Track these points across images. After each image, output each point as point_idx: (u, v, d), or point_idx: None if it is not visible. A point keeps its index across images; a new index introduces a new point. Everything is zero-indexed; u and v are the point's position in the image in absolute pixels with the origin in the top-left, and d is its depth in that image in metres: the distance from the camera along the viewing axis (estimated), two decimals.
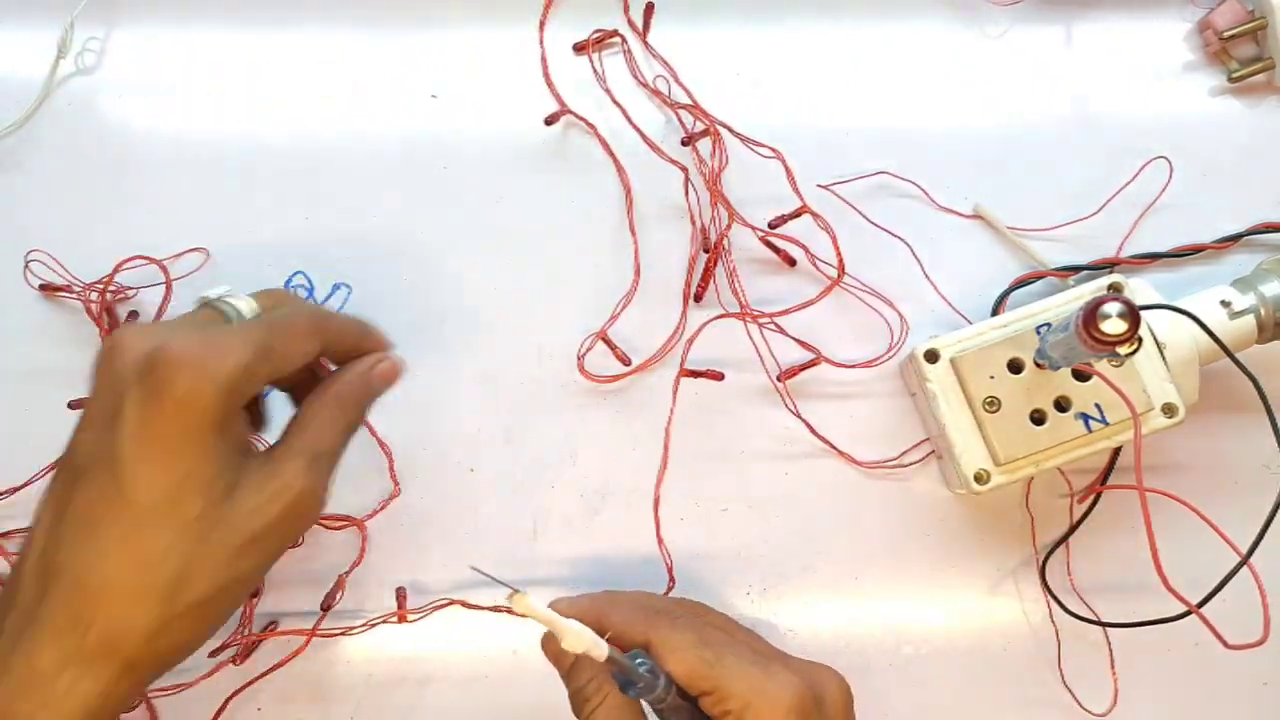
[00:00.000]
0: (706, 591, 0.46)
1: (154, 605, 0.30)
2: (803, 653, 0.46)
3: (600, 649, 0.32)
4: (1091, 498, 0.46)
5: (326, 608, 0.45)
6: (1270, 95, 0.50)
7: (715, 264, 0.47)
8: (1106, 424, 0.42)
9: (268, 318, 0.35)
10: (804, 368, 0.47)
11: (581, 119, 0.49)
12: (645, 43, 0.49)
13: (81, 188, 0.48)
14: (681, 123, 0.49)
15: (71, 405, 0.45)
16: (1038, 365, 0.42)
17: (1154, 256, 0.48)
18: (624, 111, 0.49)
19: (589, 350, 0.47)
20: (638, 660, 0.34)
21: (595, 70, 0.49)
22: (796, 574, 0.47)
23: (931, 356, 0.43)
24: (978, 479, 0.43)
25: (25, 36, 0.49)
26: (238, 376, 0.31)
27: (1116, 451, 0.46)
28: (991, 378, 0.43)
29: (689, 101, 0.48)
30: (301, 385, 0.36)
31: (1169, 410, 0.42)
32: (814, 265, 0.47)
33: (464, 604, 0.45)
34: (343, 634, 0.45)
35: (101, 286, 0.46)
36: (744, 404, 0.47)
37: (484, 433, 0.47)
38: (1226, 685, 0.46)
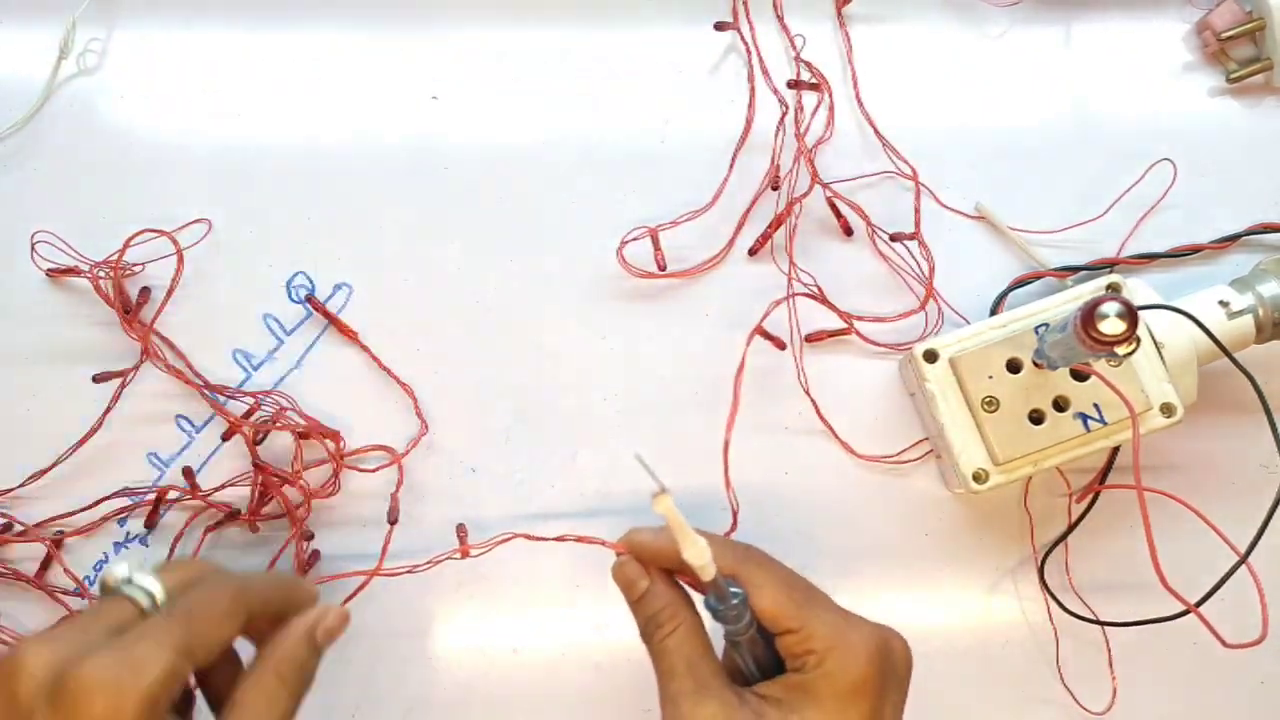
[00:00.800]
0: None
1: None
2: None
3: (712, 567, 0.33)
4: (1090, 497, 0.46)
5: (393, 521, 0.45)
6: (1268, 96, 0.50)
7: (779, 226, 0.47)
8: (1105, 424, 0.42)
9: (184, 606, 0.32)
10: (833, 334, 0.47)
11: (740, 35, 0.49)
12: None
13: (83, 188, 0.48)
14: (798, 70, 0.49)
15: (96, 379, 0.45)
16: (1036, 365, 0.42)
17: (1152, 257, 0.48)
18: (745, 40, 0.49)
19: (633, 240, 0.47)
20: (735, 593, 0.35)
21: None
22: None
23: (930, 356, 0.44)
24: (976, 479, 0.43)
25: (27, 37, 0.49)
26: (158, 690, 0.29)
27: (1115, 451, 0.46)
28: (990, 377, 0.43)
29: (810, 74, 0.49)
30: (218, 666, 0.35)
31: (1167, 410, 0.42)
32: (873, 241, 0.48)
33: (527, 536, 0.44)
34: (409, 571, 0.44)
35: (113, 263, 0.46)
36: (749, 389, 0.47)
37: (485, 433, 0.47)
38: (1225, 684, 0.47)
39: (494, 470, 0.47)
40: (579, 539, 0.44)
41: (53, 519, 0.46)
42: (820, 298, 0.47)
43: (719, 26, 0.49)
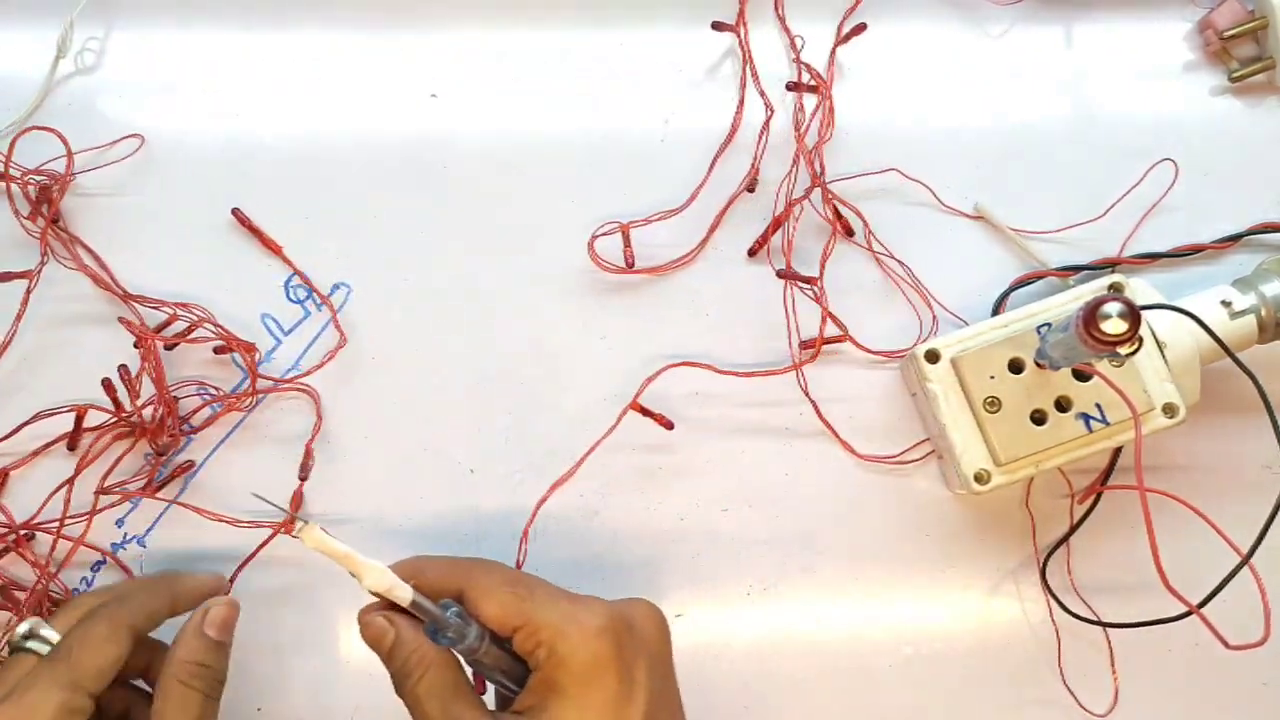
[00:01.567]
0: (707, 590, 0.46)
1: None
2: (803, 653, 0.46)
3: (403, 591, 0.31)
4: (1092, 498, 0.46)
5: (303, 478, 0.46)
6: (1270, 95, 0.50)
7: (777, 229, 0.47)
8: (1107, 424, 0.42)
9: (65, 644, 0.35)
10: (828, 341, 0.47)
11: (737, 36, 0.49)
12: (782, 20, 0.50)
13: (79, 187, 0.48)
14: (799, 72, 0.49)
15: None
16: (1038, 365, 0.42)
17: (1154, 256, 0.48)
18: (741, 41, 0.49)
19: (603, 234, 0.47)
20: (449, 610, 0.33)
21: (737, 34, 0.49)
22: (796, 574, 0.47)
23: (932, 356, 0.43)
24: (978, 479, 0.43)
25: (25, 36, 0.49)
26: None
27: (1117, 452, 0.46)
28: (992, 378, 0.43)
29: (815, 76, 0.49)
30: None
31: (1170, 410, 0.42)
32: (869, 245, 0.48)
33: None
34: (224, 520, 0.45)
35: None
36: (748, 388, 0.47)
37: (484, 433, 0.47)
38: (1227, 686, 0.46)
39: (494, 470, 0.47)
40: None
41: None
42: (818, 300, 0.47)
43: (716, 26, 0.49)
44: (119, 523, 0.46)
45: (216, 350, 0.46)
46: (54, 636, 0.36)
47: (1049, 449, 0.42)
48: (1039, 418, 0.42)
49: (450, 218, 0.48)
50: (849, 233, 0.48)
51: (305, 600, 0.46)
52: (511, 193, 0.49)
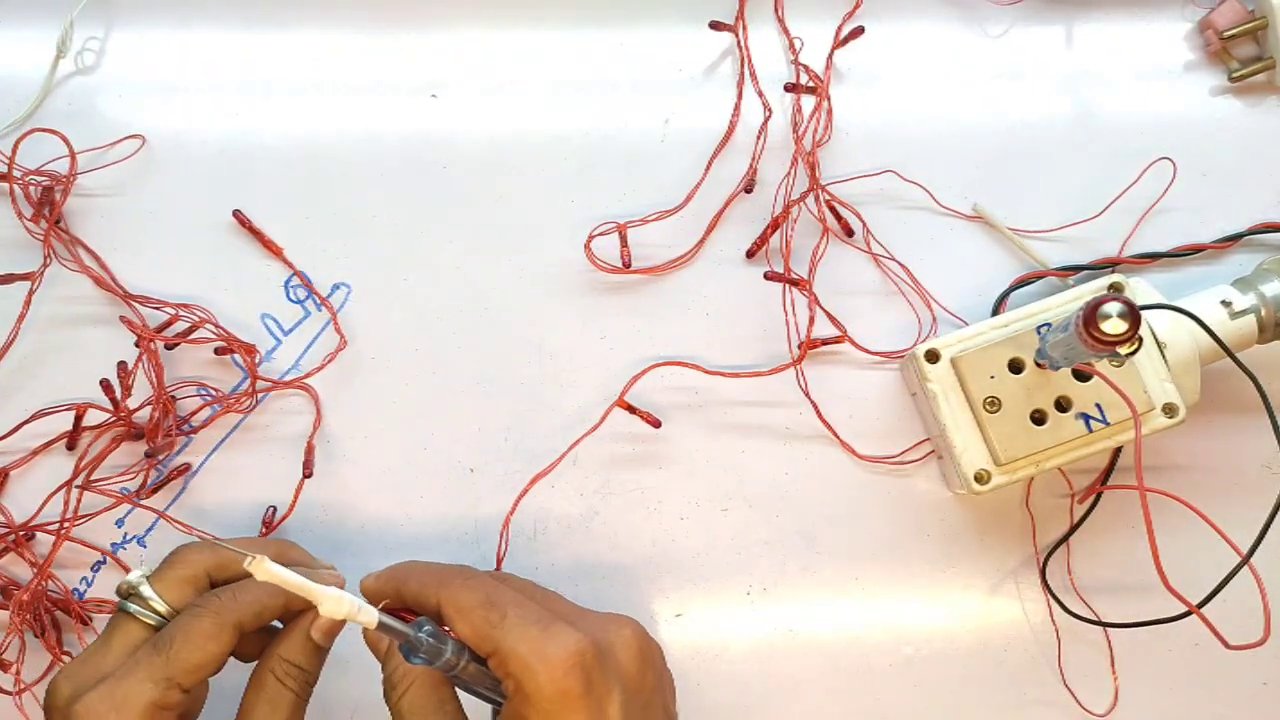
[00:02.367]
0: (707, 591, 0.46)
1: None
2: (803, 653, 0.46)
3: (367, 615, 0.30)
4: (1092, 498, 0.46)
5: (307, 474, 0.46)
6: (1270, 95, 0.50)
7: (775, 230, 0.47)
8: (1107, 424, 0.42)
9: (168, 635, 0.35)
10: (827, 342, 0.47)
11: (736, 37, 0.49)
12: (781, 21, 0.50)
13: (80, 188, 0.48)
14: (797, 74, 0.49)
15: None
16: (1038, 365, 0.42)
17: (1154, 256, 0.48)
18: (740, 42, 0.49)
19: (600, 234, 0.47)
20: (423, 628, 0.33)
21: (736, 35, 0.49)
22: (796, 574, 0.47)
23: (932, 356, 0.43)
24: (978, 479, 0.42)
25: (25, 36, 0.49)
26: None
27: (1117, 451, 0.46)
28: (992, 378, 0.43)
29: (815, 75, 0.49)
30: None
31: (1170, 410, 0.42)
32: (868, 244, 0.48)
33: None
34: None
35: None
36: (749, 388, 0.47)
37: (484, 433, 0.47)
38: (1227, 685, 0.46)
39: (493, 470, 0.47)
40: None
41: None
42: (816, 301, 0.47)
43: (715, 26, 0.49)
44: (119, 523, 0.46)
45: (217, 351, 0.46)
46: (154, 599, 0.36)
47: (1049, 449, 0.42)
48: (1039, 418, 0.42)
49: (450, 218, 0.48)
50: (848, 233, 0.48)
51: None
52: (511, 193, 0.49)
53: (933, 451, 0.47)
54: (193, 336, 0.46)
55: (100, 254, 0.47)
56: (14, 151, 0.46)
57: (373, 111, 0.49)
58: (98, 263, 0.47)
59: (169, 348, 0.46)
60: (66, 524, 0.44)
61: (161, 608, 0.36)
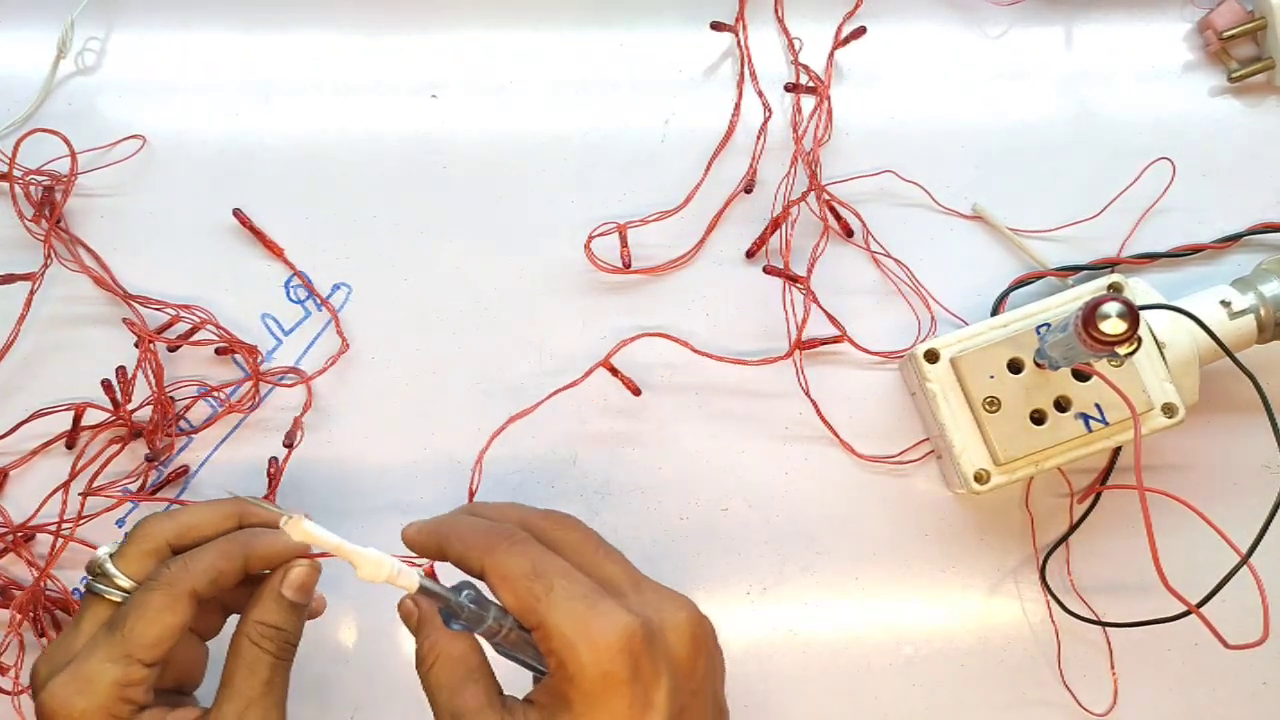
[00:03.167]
0: (707, 591, 0.46)
1: None
2: (803, 653, 0.46)
3: (408, 579, 0.29)
4: (1091, 498, 0.46)
5: (289, 445, 0.46)
6: (1270, 95, 0.50)
7: (775, 230, 0.47)
8: (1106, 424, 0.42)
9: (124, 610, 0.34)
10: (826, 342, 0.47)
11: (736, 37, 0.49)
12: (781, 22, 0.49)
13: (80, 188, 0.48)
14: (797, 74, 0.49)
15: None
16: (1038, 365, 0.42)
17: (1154, 256, 0.48)
18: (740, 43, 0.49)
19: (600, 234, 0.47)
20: (464, 592, 0.31)
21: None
22: (796, 574, 0.47)
23: (931, 356, 0.43)
24: (978, 479, 0.43)
25: (25, 36, 0.49)
26: (109, 702, 0.33)
27: (1116, 451, 0.46)
28: (991, 378, 0.43)
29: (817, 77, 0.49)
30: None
31: (1169, 410, 0.42)
32: (868, 244, 0.48)
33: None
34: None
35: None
36: (749, 388, 0.47)
37: (483, 433, 0.47)
38: (1226, 685, 0.46)
39: (492, 471, 0.47)
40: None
41: None
42: (815, 300, 0.47)
43: (715, 27, 0.49)
44: (119, 523, 0.46)
45: (218, 351, 0.46)
46: (118, 576, 0.35)
47: (1048, 449, 0.42)
48: (1039, 418, 0.42)
49: (450, 218, 0.48)
50: (848, 233, 0.48)
51: None
52: (511, 193, 0.49)
53: (932, 451, 0.47)
54: (194, 337, 0.46)
55: (100, 254, 0.47)
56: (14, 152, 0.46)
57: (373, 111, 0.49)
58: (98, 263, 0.47)
59: (171, 350, 0.46)
60: (68, 524, 0.44)
61: (125, 584, 0.35)
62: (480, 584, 0.33)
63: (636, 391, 0.46)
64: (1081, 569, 0.46)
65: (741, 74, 0.49)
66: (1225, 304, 0.43)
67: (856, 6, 0.49)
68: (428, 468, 0.47)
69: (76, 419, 0.46)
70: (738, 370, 0.47)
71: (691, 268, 0.48)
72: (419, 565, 0.33)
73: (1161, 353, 0.43)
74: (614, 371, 0.46)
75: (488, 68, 0.50)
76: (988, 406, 0.42)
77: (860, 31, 0.49)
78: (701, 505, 0.47)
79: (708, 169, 0.48)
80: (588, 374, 0.46)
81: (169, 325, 0.46)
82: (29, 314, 0.46)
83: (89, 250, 0.47)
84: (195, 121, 0.49)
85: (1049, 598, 0.46)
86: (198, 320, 0.46)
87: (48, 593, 0.45)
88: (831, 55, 0.49)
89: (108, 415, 0.45)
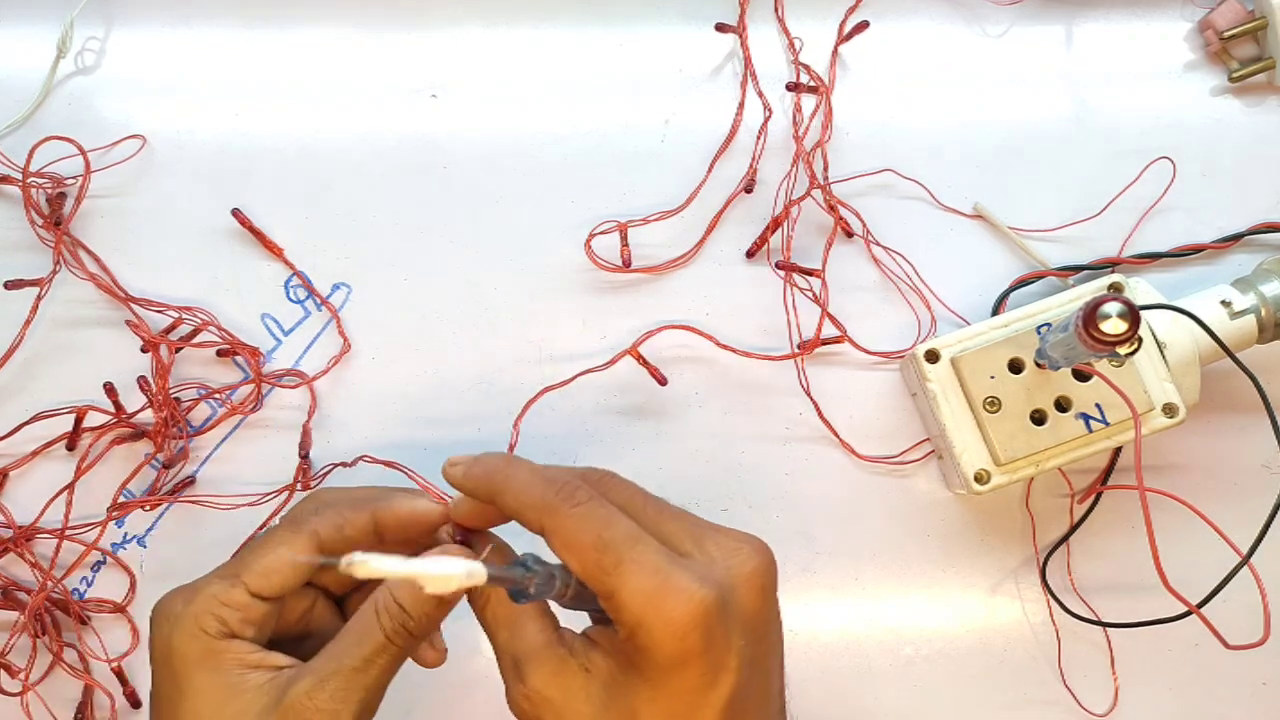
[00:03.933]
0: None
1: None
2: (803, 653, 0.46)
3: (477, 575, 0.27)
4: (1092, 498, 0.46)
5: (304, 455, 0.46)
6: (1270, 95, 0.50)
7: (776, 229, 0.47)
8: (1107, 424, 0.42)
9: (250, 546, 0.35)
10: (827, 342, 0.47)
11: (739, 37, 0.49)
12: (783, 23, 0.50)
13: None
14: (798, 73, 0.49)
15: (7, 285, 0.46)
16: (1038, 365, 0.42)
17: (1154, 256, 0.48)
18: (742, 42, 0.49)
19: (601, 233, 0.47)
20: (527, 569, 0.30)
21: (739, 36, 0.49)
22: (796, 574, 0.47)
23: (932, 356, 0.43)
24: (978, 479, 0.43)
25: (25, 35, 0.49)
26: (200, 611, 0.33)
27: (1117, 451, 0.46)
28: (992, 378, 0.43)
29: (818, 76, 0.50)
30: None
31: (1169, 410, 0.42)
32: (868, 244, 0.48)
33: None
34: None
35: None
36: (749, 388, 0.47)
37: (484, 433, 0.47)
38: (1227, 685, 0.46)
39: None
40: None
41: None
42: (816, 299, 0.47)
43: (720, 28, 0.49)
44: (119, 523, 0.46)
45: (220, 353, 0.46)
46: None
47: (1049, 449, 0.42)
48: (1039, 418, 0.42)
49: (450, 218, 0.48)
50: (848, 233, 0.48)
51: None
52: (511, 193, 0.49)
53: (933, 451, 0.47)
54: (195, 339, 0.46)
55: (101, 255, 0.47)
56: (29, 160, 0.46)
57: (373, 111, 0.49)
58: (100, 266, 0.47)
59: (174, 352, 0.46)
60: (81, 529, 0.45)
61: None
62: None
63: (663, 381, 0.46)
64: (1082, 569, 0.46)
65: (744, 73, 0.49)
66: (1226, 304, 0.43)
67: (856, 5, 0.49)
68: (427, 468, 0.47)
69: (78, 421, 0.46)
70: (738, 370, 0.47)
71: (692, 267, 0.48)
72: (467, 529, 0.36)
73: (1162, 353, 0.43)
74: (641, 360, 0.46)
75: (487, 67, 0.50)
76: (988, 407, 0.42)
77: (863, 26, 0.49)
78: (702, 505, 0.47)
79: (710, 169, 0.48)
80: (614, 360, 0.46)
81: (172, 328, 0.46)
82: (33, 316, 0.46)
83: (91, 254, 0.47)
84: (195, 121, 0.49)
85: (1049, 598, 0.46)
86: (200, 322, 0.46)
87: (51, 596, 0.45)
88: (835, 51, 0.49)
89: (109, 418, 0.45)
